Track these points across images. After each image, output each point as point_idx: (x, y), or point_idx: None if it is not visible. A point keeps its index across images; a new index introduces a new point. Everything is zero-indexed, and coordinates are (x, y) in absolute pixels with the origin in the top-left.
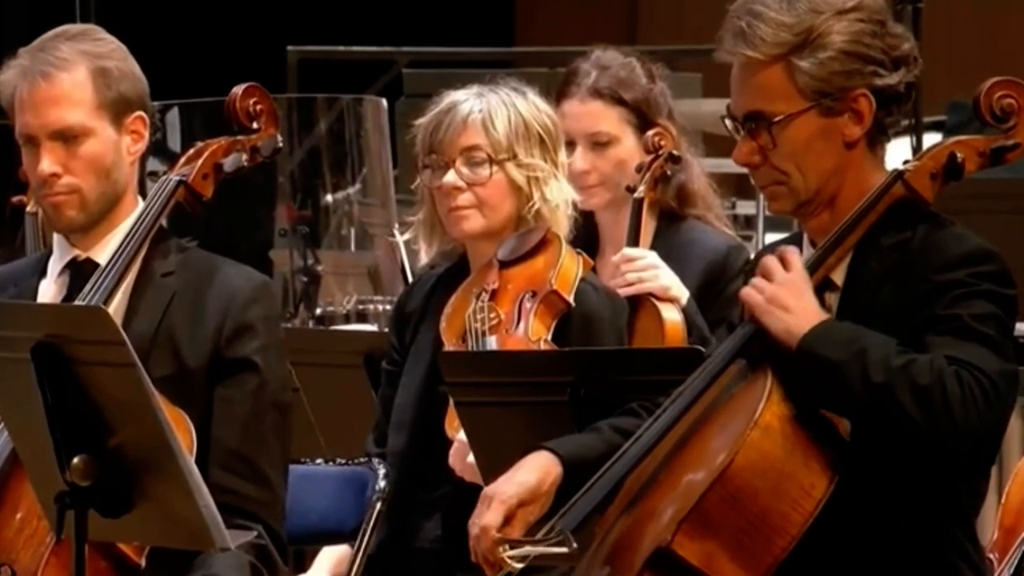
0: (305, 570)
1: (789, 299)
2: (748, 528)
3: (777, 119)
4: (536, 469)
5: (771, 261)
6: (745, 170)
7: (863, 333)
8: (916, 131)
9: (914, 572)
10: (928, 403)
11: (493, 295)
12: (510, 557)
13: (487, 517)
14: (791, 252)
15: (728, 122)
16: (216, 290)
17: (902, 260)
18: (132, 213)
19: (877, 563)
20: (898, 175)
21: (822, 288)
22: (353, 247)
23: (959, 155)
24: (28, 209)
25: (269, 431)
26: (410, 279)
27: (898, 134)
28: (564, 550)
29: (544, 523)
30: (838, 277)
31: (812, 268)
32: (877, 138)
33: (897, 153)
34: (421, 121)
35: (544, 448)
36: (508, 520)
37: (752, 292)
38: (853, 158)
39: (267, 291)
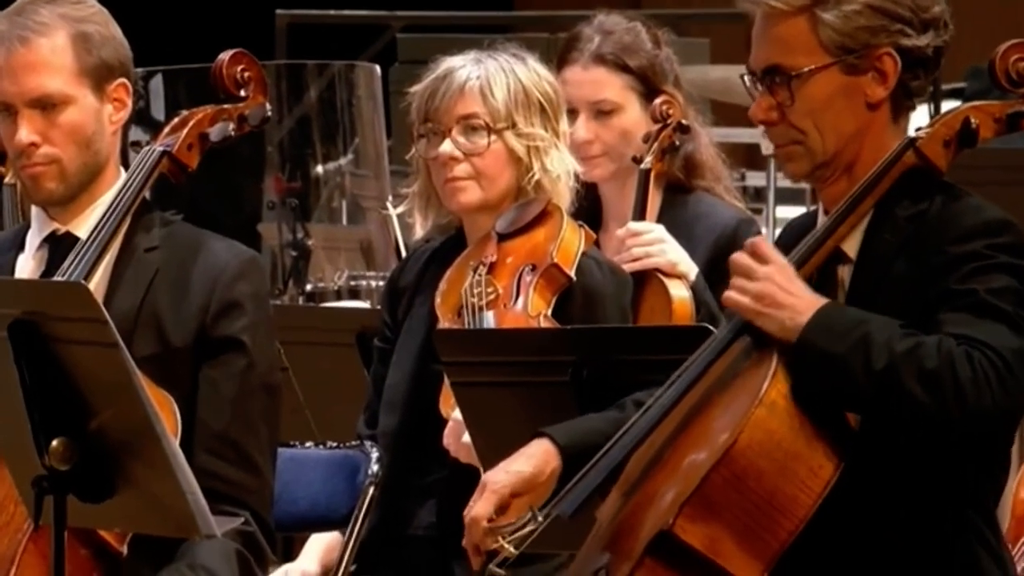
0: (294, 558)
1: (776, 293)
2: (753, 511)
3: (797, 73)
4: (533, 458)
5: (742, 258)
6: (755, 140)
7: (864, 318)
8: (935, 98)
9: (930, 559)
10: (937, 388)
11: (491, 269)
12: (508, 543)
13: (478, 507)
14: (759, 243)
15: (746, 78)
16: (201, 266)
17: (917, 232)
18: (114, 185)
19: (890, 550)
20: (910, 142)
21: (834, 261)
22: (345, 220)
23: (973, 121)
24: (6, 180)
25: (257, 413)
26: (404, 253)
27: None
28: (530, 528)
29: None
30: (851, 249)
31: (821, 240)
32: (902, 103)
33: (913, 122)
34: (416, 88)
35: (544, 435)
36: (502, 510)
37: (736, 295)
38: (875, 122)
39: (255, 267)
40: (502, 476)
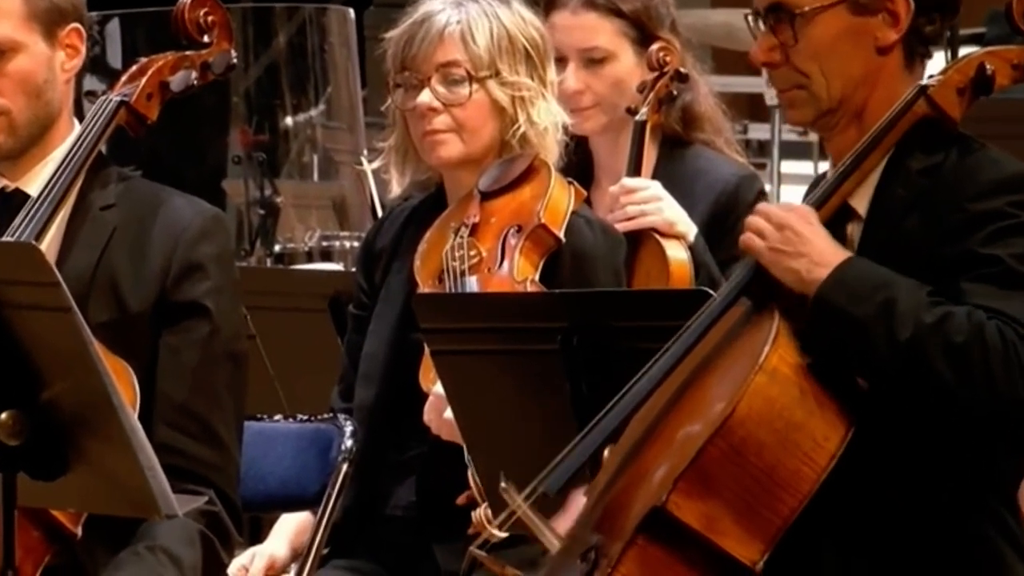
0: (262, 540)
1: (797, 241)
2: (753, 486)
3: (801, 12)
4: None
5: (759, 210)
6: (759, 90)
7: (889, 279)
8: (951, 45)
9: (946, 544)
10: (965, 365)
11: (473, 230)
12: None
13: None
14: (760, 207)
15: (750, 18)
16: (161, 225)
17: (932, 186)
18: (67, 138)
19: (902, 531)
20: (921, 90)
21: (842, 218)
22: (316, 176)
23: (989, 67)
24: None
25: (221, 384)
26: (380, 213)
27: None
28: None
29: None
30: (861, 206)
31: (828, 193)
32: (916, 49)
33: (930, 72)
34: (392, 34)
35: None
36: None
37: (753, 238)
38: (885, 68)
39: (219, 226)
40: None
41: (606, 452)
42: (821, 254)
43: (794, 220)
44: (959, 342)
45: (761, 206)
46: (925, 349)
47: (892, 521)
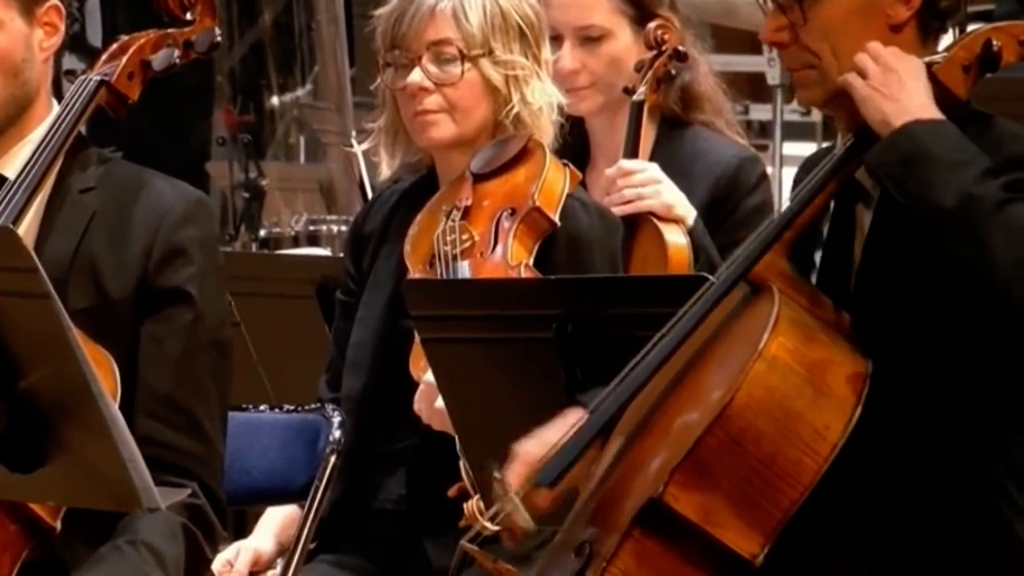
0: (247, 534)
1: (897, 87)
2: (752, 477)
3: None
4: (568, 427)
5: (872, 44)
6: (760, 69)
7: (975, 150)
8: (959, 22)
9: (955, 525)
10: (1019, 247)
11: (466, 213)
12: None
13: (507, 478)
14: (896, 50)
15: None
16: (143, 208)
17: None
18: (45, 119)
19: (909, 515)
20: (925, 68)
21: (850, 196)
22: (303, 158)
23: (995, 43)
24: None
25: (205, 373)
26: (369, 195)
27: None
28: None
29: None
30: (870, 185)
31: (834, 170)
32: (930, 25)
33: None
34: (382, 11)
35: (578, 403)
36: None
37: (854, 76)
38: (898, 45)
39: (203, 209)
40: (535, 446)
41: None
42: (918, 106)
43: (902, 68)
44: (1019, 227)
45: (872, 44)
46: (985, 218)
47: (896, 499)
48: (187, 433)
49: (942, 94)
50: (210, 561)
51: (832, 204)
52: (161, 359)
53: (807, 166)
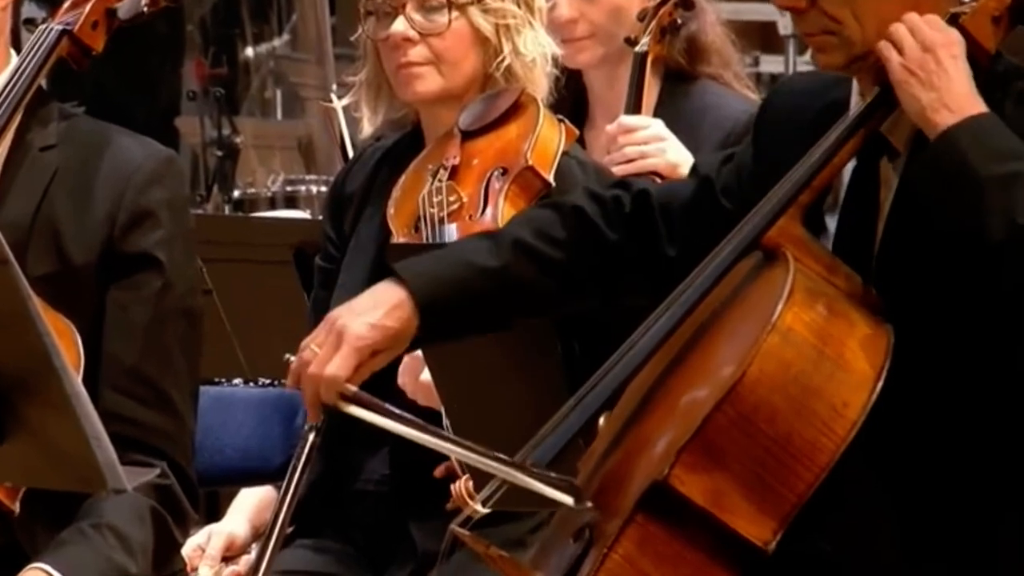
0: (219, 517)
1: (937, 71)
2: (765, 458)
3: None
4: (395, 311)
5: (914, 16)
6: (771, 18)
7: (1018, 150)
8: None
9: (983, 509)
10: None
11: (453, 173)
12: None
13: (336, 363)
14: (932, 17)
15: None
16: (108, 167)
17: None
18: (3, 71)
19: (932, 498)
20: (952, 19)
21: (874, 151)
22: (279, 114)
23: None
24: None
25: (174, 344)
26: (350, 154)
27: None
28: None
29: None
30: (899, 140)
31: (857, 124)
32: None
33: None
34: None
35: (396, 281)
36: (357, 373)
37: (889, 48)
38: (922, 5)
39: (172, 169)
40: (365, 329)
41: (601, 420)
42: (956, 96)
43: (942, 47)
44: None
45: (910, 16)
46: None
47: (919, 483)
48: (155, 408)
49: (970, 46)
50: (180, 546)
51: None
52: (127, 329)
53: (790, 94)
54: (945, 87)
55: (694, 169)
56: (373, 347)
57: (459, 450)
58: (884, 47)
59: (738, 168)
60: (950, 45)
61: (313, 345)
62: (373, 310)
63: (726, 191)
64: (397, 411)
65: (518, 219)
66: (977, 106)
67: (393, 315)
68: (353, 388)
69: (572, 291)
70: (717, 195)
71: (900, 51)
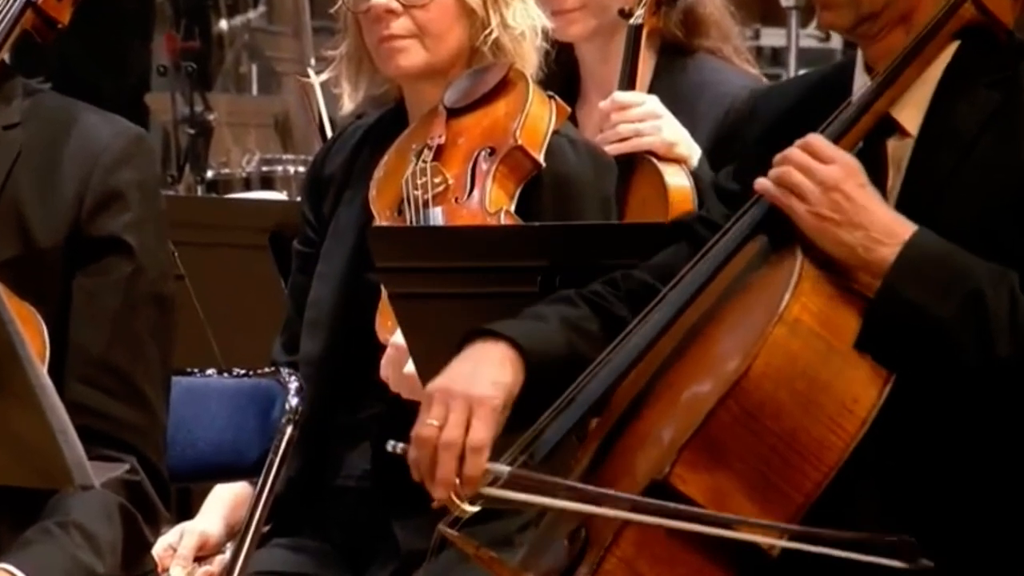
0: (192, 515)
1: (850, 208)
2: (770, 456)
3: None
4: (506, 365)
5: (797, 154)
6: None
7: (964, 265)
8: None
9: (999, 509)
10: None
11: (438, 153)
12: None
13: (480, 432)
14: (814, 140)
15: None
16: (75, 146)
17: (1008, 102)
18: None
19: (947, 499)
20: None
21: (881, 132)
22: (255, 90)
23: None
24: None
25: (145, 333)
26: (329, 133)
27: None
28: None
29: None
30: (909, 121)
31: (866, 105)
32: None
33: None
34: None
35: (496, 336)
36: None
37: (790, 198)
38: None
39: (142, 148)
40: (490, 389)
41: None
42: (882, 226)
43: (843, 180)
44: None
45: (794, 153)
46: (1011, 367)
47: (933, 481)
48: (125, 400)
49: (989, 21)
50: (150, 545)
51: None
52: (95, 316)
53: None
54: (866, 221)
55: (686, 232)
56: (505, 406)
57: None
58: (783, 196)
59: (727, 198)
60: (852, 175)
61: (432, 420)
62: (482, 368)
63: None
64: (562, 482)
65: (563, 324)
66: (904, 228)
67: (505, 368)
68: (504, 467)
69: None
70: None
71: (802, 198)
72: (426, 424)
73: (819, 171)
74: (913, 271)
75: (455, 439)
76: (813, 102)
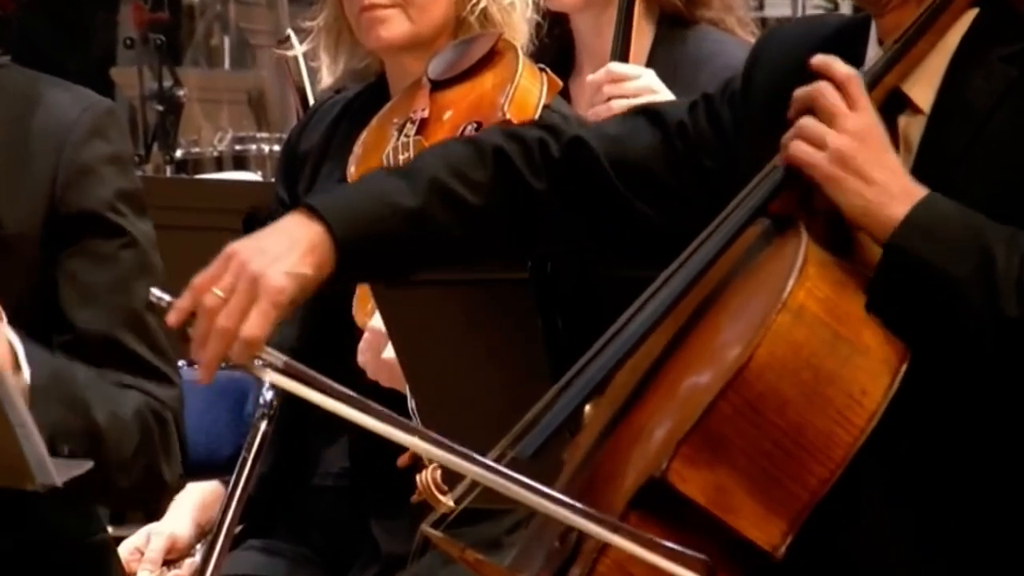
0: (159, 516)
1: (867, 161)
2: (774, 452)
3: None
4: (313, 254)
5: (829, 94)
6: None
7: (978, 225)
8: None
9: (1016, 520)
10: None
11: (422, 127)
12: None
13: (255, 322)
14: (853, 79)
15: None
16: (41, 123)
17: (1023, 76)
18: None
19: (961, 496)
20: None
21: (891, 108)
22: (227, 64)
23: None
24: None
25: (143, 307)
26: (307, 107)
27: None
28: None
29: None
30: (921, 96)
31: (878, 77)
32: None
33: None
34: None
35: (311, 215)
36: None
37: (807, 149)
38: None
39: (112, 121)
40: (284, 280)
41: (588, 408)
42: (900, 185)
43: (867, 131)
44: None
45: (826, 94)
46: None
47: (946, 478)
48: (141, 375)
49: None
50: (163, 482)
51: None
52: (88, 298)
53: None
54: (882, 177)
55: (648, 113)
56: (292, 300)
57: (414, 440)
58: (801, 152)
59: (716, 122)
60: (871, 129)
61: (217, 289)
62: (288, 253)
63: (702, 146)
64: (334, 385)
65: (433, 153)
66: (916, 188)
67: (309, 260)
68: (277, 354)
69: (487, 240)
70: (694, 148)
71: (822, 148)
72: (211, 291)
73: (844, 119)
74: (924, 229)
75: (229, 327)
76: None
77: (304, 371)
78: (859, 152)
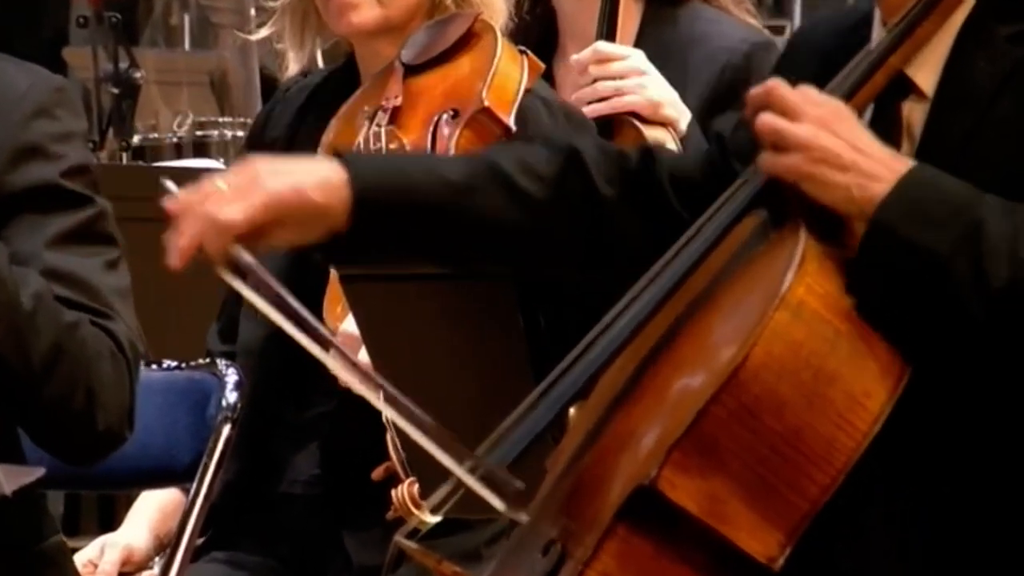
0: (116, 525)
1: (837, 146)
2: (771, 458)
3: None
4: (327, 186)
5: (780, 91)
6: None
7: (970, 197)
8: None
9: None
10: None
11: (395, 116)
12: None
13: (236, 207)
14: (772, 90)
15: None
16: None
17: None
18: None
19: (965, 504)
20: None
21: (895, 94)
22: (188, 44)
23: None
24: None
25: (104, 263)
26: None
27: None
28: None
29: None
30: (925, 81)
31: (881, 58)
32: None
33: None
34: None
35: (341, 163)
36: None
37: (775, 155)
38: None
39: (64, 98)
40: (285, 188)
41: (572, 411)
42: (877, 160)
43: (831, 119)
44: None
45: (774, 92)
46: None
47: (952, 484)
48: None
49: None
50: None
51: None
52: (42, 238)
53: (806, 42)
54: (858, 160)
55: (708, 130)
56: (286, 211)
57: (361, 379)
58: (769, 158)
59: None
60: (836, 113)
61: (220, 181)
62: (302, 175)
63: (739, 154)
64: (295, 305)
65: (501, 146)
66: (899, 163)
67: (323, 190)
68: (247, 255)
69: (538, 238)
70: (729, 158)
71: (788, 145)
72: (214, 179)
73: (804, 112)
74: (908, 205)
75: (210, 210)
76: (838, 45)
77: (277, 290)
78: (824, 141)
